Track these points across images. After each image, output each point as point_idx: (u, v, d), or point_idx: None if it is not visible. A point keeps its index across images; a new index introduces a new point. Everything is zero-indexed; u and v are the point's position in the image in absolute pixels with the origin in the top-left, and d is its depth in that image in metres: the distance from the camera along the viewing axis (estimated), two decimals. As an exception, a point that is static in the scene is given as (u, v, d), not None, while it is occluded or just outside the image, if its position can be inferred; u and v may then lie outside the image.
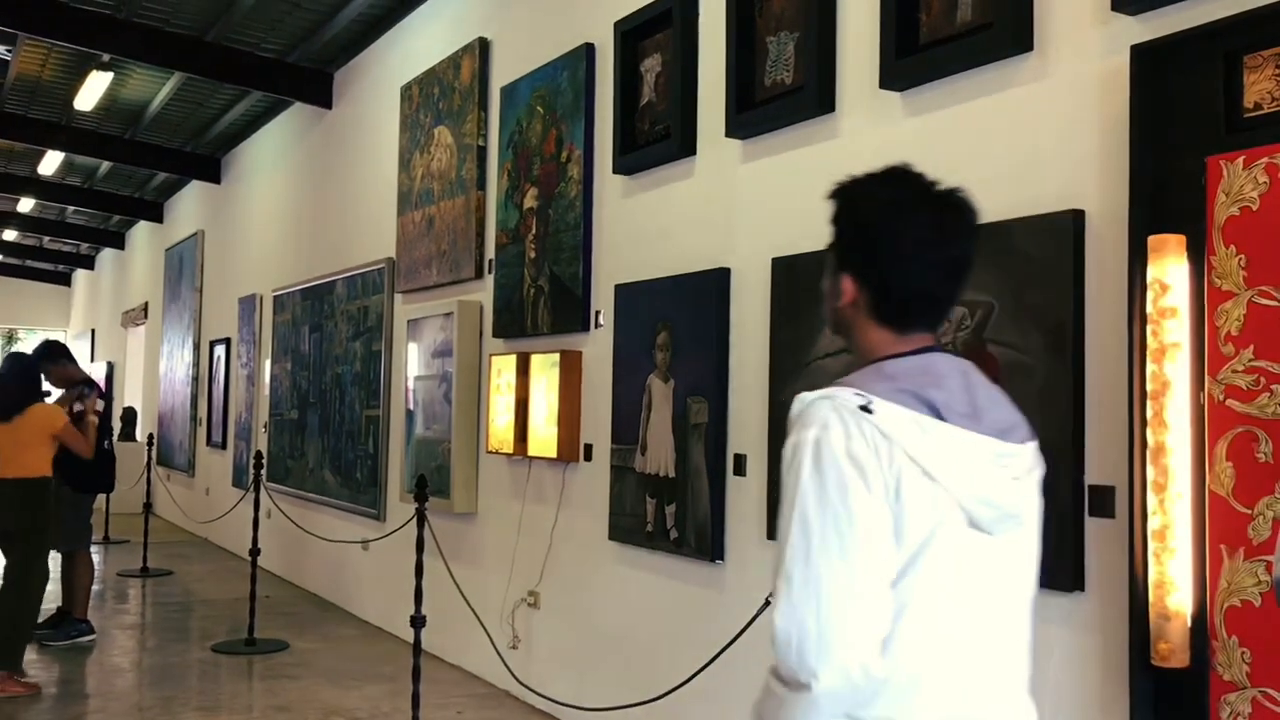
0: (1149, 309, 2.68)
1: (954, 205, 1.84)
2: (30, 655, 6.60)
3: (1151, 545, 2.64)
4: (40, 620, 7.26)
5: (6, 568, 6.05)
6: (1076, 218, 2.99)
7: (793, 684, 1.55)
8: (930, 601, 1.59)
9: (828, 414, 1.61)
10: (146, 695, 5.88)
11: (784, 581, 1.58)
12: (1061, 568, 2.95)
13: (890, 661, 1.55)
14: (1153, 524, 2.64)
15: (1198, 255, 2.64)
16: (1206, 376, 2.61)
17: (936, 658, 1.60)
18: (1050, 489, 2.96)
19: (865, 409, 1.60)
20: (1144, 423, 2.67)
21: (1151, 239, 2.70)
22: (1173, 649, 2.61)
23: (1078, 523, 2.94)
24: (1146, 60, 2.77)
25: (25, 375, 6.38)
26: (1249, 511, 2.52)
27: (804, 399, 1.67)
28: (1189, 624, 2.61)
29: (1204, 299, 2.63)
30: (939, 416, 1.63)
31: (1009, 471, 1.70)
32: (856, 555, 1.54)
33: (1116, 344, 2.87)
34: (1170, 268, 2.66)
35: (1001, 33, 3.22)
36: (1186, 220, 2.67)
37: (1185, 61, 2.72)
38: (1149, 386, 2.66)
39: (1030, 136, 3.17)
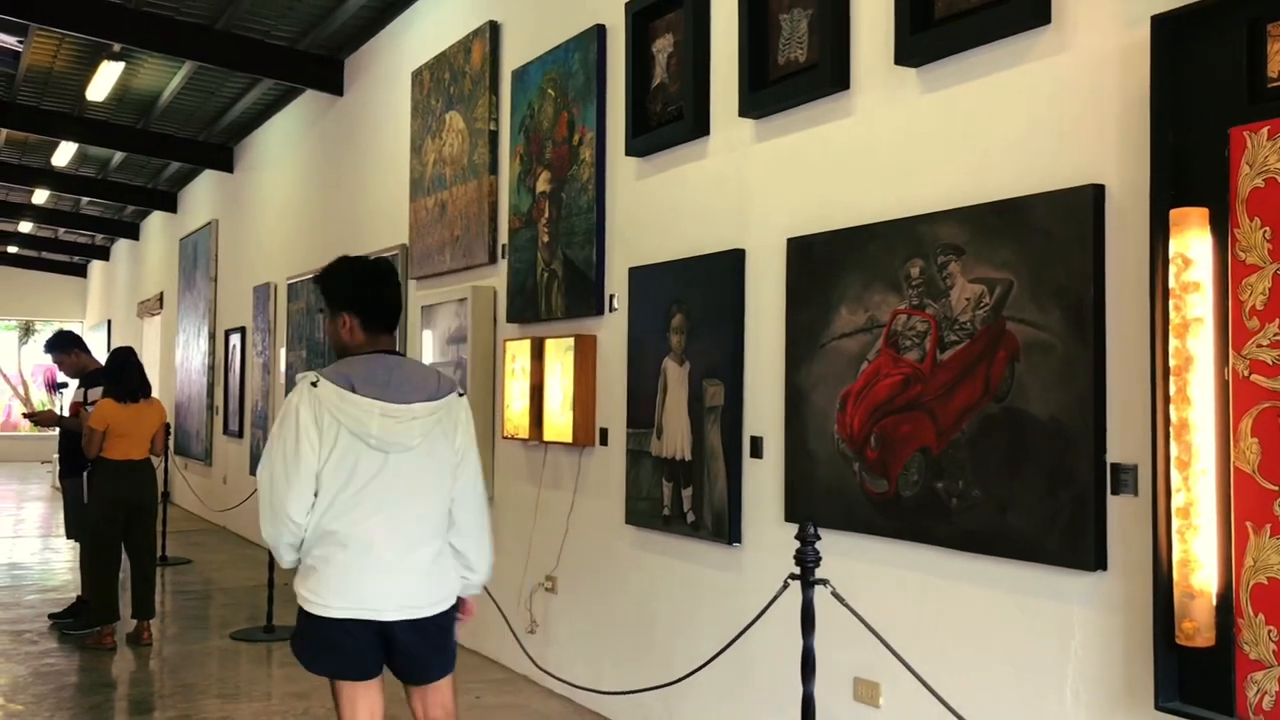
0: (1171, 284, 2.64)
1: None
2: (50, 643, 6.66)
3: (1175, 523, 2.61)
4: (60, 610, 7.33)
5: (140, 536, 6.82)
6: (1097, 192, 2.95)
7: (264, 533, 3.16)
8: (332, 483, 3.08)
9: (299, 386, 3.13)
10: (166, 682, 5.90)
11: (262, 471, 3.13)
12: (1083, 547, 2.93)
13: (311, 517, 3.08)
14: (1176, 501, 2.61)
15: (1221, 229, 2.60)
16: (1230, 351, 2.57)
17: (334, 513, 3.08)
18: (1070, 467, 2.94)
19: (314, 384, 3.11)
20: (1167, 399, 2.63)
21: (1173, 213, 2.65)
22: (1198, 627, 2.58)
23: (1100, 501, 2.91)
24: (1167, 30, 2.73)
25: (141, 366, 7.02)
26: (1275, 488, 2.48)
27: (297, 378, 3.18)
28: (1214, 602, 2.58)
29: (1227, 273, 2.58)
30: (352, 389, 3.11)
31: (394, 419, 3.11)
32: (287, 460, 3.07)
33: (1138, 320, 2.83)
34: (1193, 242, 2.62)
35: (1019, 5, 3.17)
36: (1209, 193, 2.62)
37: (1207, 31, 2.67)
38: (1172, 362, 2.62)
39: (1049, 111, 3.13)
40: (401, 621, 3.12)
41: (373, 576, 3.08)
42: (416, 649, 3.19)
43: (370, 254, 8.13)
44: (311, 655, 3.21)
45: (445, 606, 3.22)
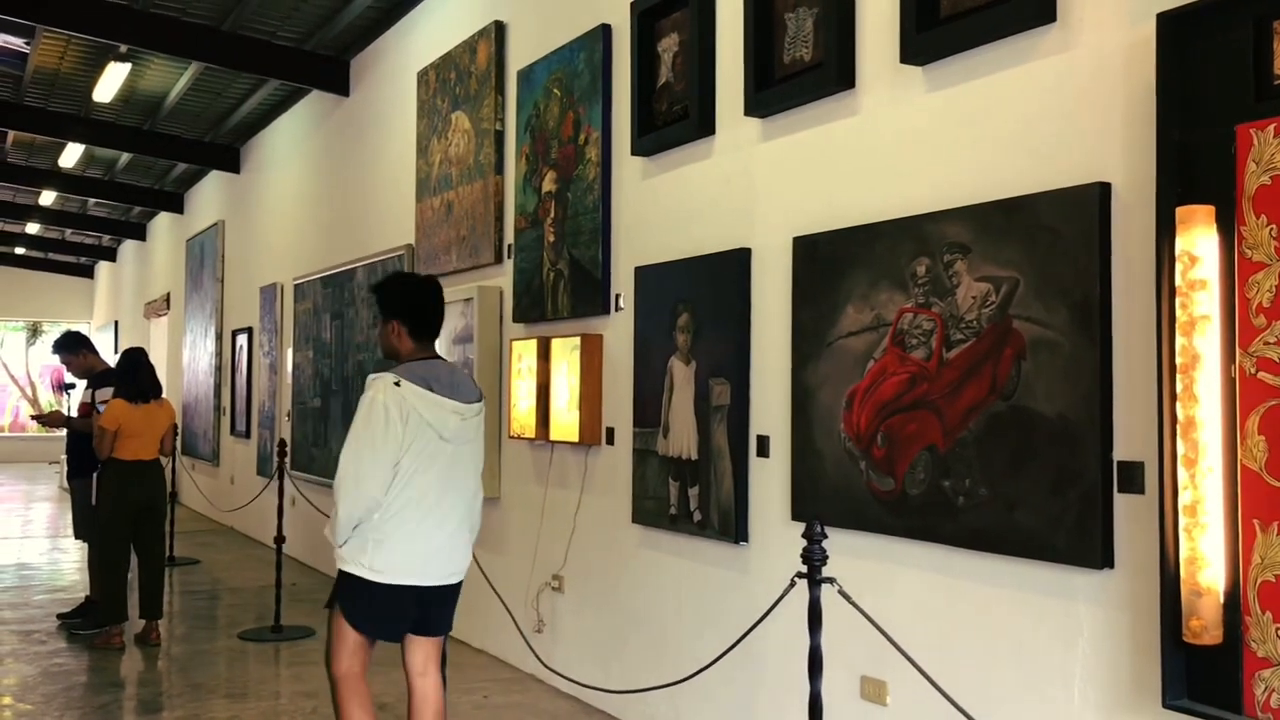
0: (1178, 281, 2.64)
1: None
2: (58, 643, 6.67)
3: (1183, 521, 2.60)
4: (68, 610, 7.35)
5: (149, 536, 6.84)
6: (1103, 190, 2.95)
7: (342, 510, 3.58)
8: (409, 468, 3.59)
9: (380, 384, 3.60)
10: (175, 682, 5.92)
11: (347, 454, 3.58)
12: (1090, 545, 2.93)
13: (389, 495, 3.57)
14: (1183, 499, 2.60)
15: (1227, 226, 2.60)
16: (1237, 349, 2.57)
17: (409, 503, 3.59)
18: (1076, 465, 2.94)
19: (397, 384, 3.60)
20: (1173, 397, 2.63)
21: (1180, 210, 2.65)
22: (1205, 625, 2.57)
23: (1106, 499, 2.91)
24: (1173, 28, 2.72)
25: (152, 367, 7.03)
26: (1282, 485, 2.48)
27: (371, 377, 3.66)
28: (1221, 600, 2.58)
29: (1234, 270, 2.58)
30: (430, 389, 3.64)
31: (460, 416, 3.70)
32: (378, 450, 3.55)
33: (1144, 318, 2.83)
34: (1199, 239, 2.62)
35: (1024, 3, 3.17)
36: (1215, 191, 2.62)
37: (1212, 29, 2.67)
38: (1178, 360, 2.62)
39: (1054, 109, 3.12)
40: (440, 586, 3.73)
41: (439, 550, 3.69)
42: (438, 609, 3.80)
43: (376, 254, 8.19)
44: (364, 617, 3.68)
45: (463, 578, 3.85)
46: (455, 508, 3.74)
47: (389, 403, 3.56)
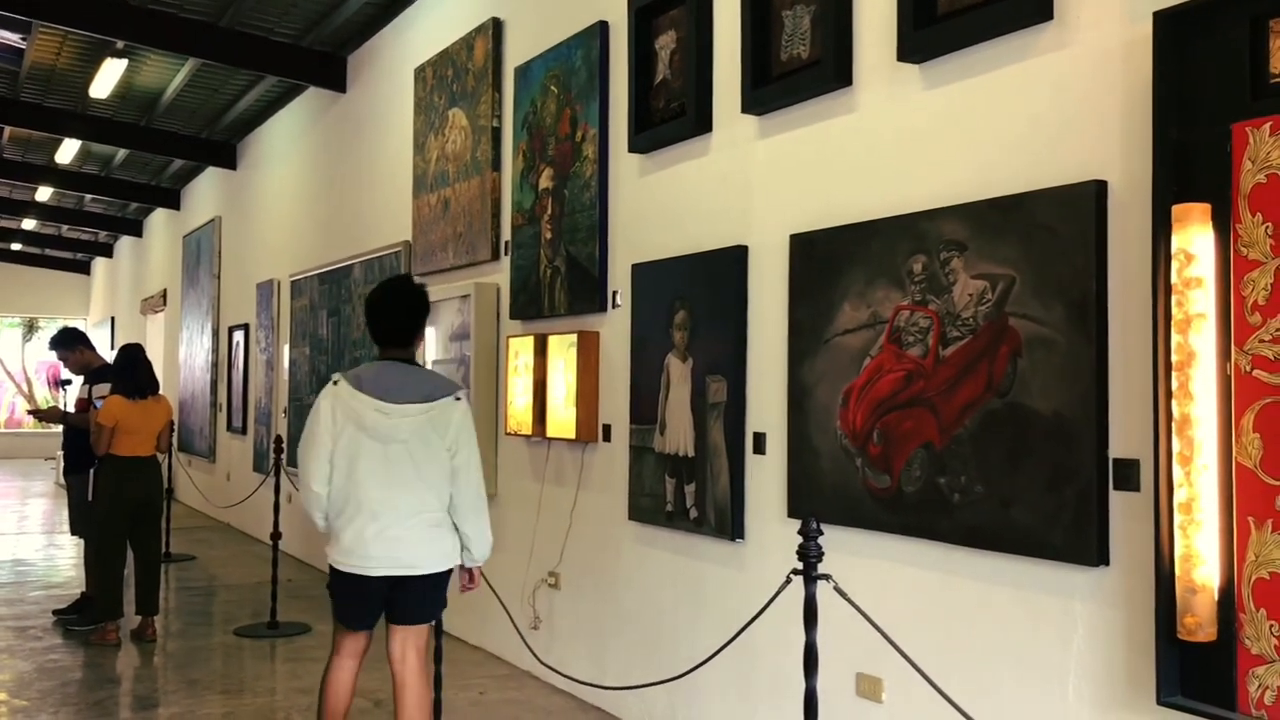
0: (1173, 279, 2.64)
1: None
2: (54, 639, 6.67)
3: (1178, 518, 2.61)
4: (64, 606, 7.34)
5: (146, 533, 6.83)
6: (1099, 188, 2.95)
7: (303, 494, 3.95)
8: (342, 464, 3.87)
9: (327, 385, 3.93)
10: (170, 678, 5.92)
11: (301, 454, 3.94)
12: (1085, 542, 2.93)
13: (329, 488, 3.88)
14: (1179, 497, 2.61)
15: (1223, 224, 2.61)
16: (1233, 347, 2.57)
17: (347, 489, 3.87)
18: (1072, 462, 2.95)
19: (335, 383, 3.92)
20: (1169, 395, 2.64)
21: (1176, 208, 2.66)
22: (1199, 622, 2.58)
23: (1102, 496, 2.92)
24: (1169, 27, 2.73)
25: (149, 363, 7.02)
26: (1277, 483, 2.49)
27: (333, 376, 3.99)
28: (1216, 597, 2.58)
29: (1230, 268, 2.59)
30: (359, 388, 3.89)
31: (384, 415, 3.86)
32: (312, 446, 3.89)
33: (1140, 315, 2.84)
34: (1195, 237, 2.62)
35: (1021, 2, 3.17)
36: (1211, 189, 2.63)
37: (1209, 27, 2.67)
38: (1174, 358, 2.63)
39: (1051, 107, 3.13)
40: (394, 576, 3.90)
41: (373, 541, 3.87)
42: (403, 599, 3.96)
43: (372, 250, 8.18)
44: (334, 600, 4.03)
45: (433, 570, 3.94)
46: (397, 504, 3.87)
47: (322, 402, 3.93)
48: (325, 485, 3.88)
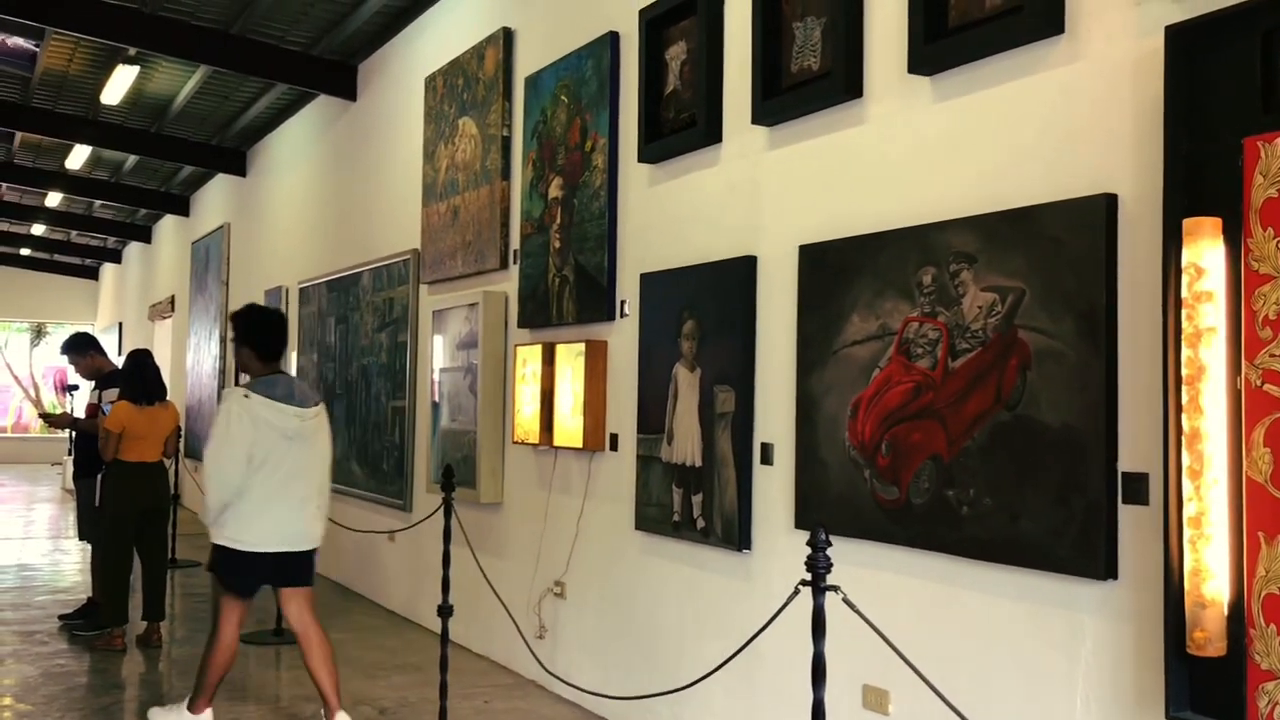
0: (1184, 293, 2.64)
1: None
2: (60, 644, 6.68)
3: (1187, 532, 2.60)
4: (70, 611, 7.35)
5: (153, 539, 6.90)
6: (1109, 201, 2.95)
7: (210, 497, 4.70)
8: (255, 460, 4.63)
9: (234, 395, 4.70)
10: (176, 685, 5.92)
11: (209, 452, 4.70)
12: (1094, 555, 2.93)
13: (244, 483, 4.62)
14: (1188, 511, 2.60)
15: (1234, 238, 2.60)
16: (1243, 361, 2.57)
17: (260, 487, 4.64)
18: (1081, 476, 2.94)
19: (246, 395, 4.66)
20: (1179, 408, 2.63)
21: (1186, 222, 2.66)
22: (1209, 637, 2.57)
23: (1111, 510, 2.91)
24: (1181, 41, 2.73)
25: (157, 369, 7.05)
26: (1287, 498, 2.48)
27: (225, 391, 5.09)
28: (1225, 612, 2.58)
29: (1240, 283, 2.58)
30: (272, 398, 4.69)
31: (300, 418, 4.74)
32: (234, 447, 4.62)
33: (1150, 329, 2.83)
34: (1206, 251, 2.62)
35: (1033, 15, 3.18)
36: (1222, 203, 2.63)
37: (1221, 41, 2.68)
38: (1184, 372, 2.62)
39: (1062, 120, 3.13)
40: (287, 551, 4.76)
41: (282, 523, 4.72)
42: (296, 566, 4.83)
43: (381, 258, 8.21)
44: (231, 577, 4.76)
45: (316, 545, 4.89)
46: (302, 491, 4.77)
47: (240, 410, 4.64)
48: (241, 479, 4.61)
